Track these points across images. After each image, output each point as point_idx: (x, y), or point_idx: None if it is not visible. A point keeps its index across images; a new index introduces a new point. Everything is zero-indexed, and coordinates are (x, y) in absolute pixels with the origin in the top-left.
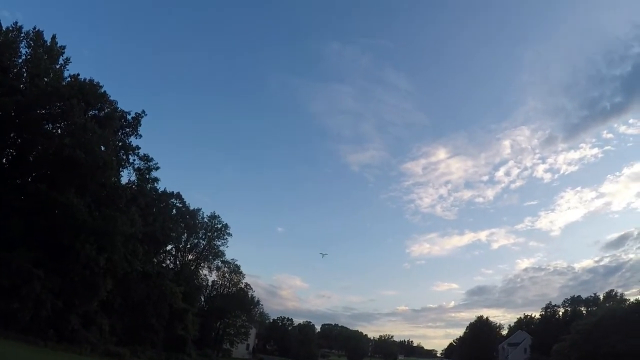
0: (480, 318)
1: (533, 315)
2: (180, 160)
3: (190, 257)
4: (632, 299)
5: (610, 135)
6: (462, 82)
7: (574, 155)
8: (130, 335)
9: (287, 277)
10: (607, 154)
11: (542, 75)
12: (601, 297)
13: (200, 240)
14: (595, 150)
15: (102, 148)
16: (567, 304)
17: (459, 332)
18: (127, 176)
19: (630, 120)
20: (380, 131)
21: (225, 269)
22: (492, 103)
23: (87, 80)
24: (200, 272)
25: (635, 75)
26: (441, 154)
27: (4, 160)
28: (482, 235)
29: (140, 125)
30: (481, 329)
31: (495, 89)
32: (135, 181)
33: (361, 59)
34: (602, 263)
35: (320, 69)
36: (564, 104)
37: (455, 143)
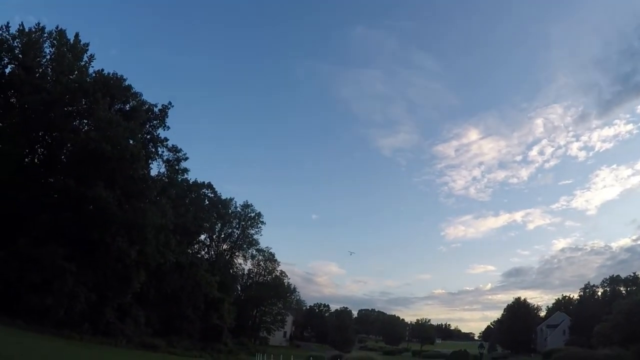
0: (517, 300)
1: (571, 296)
2: (211, 152)
3: (224, 246)
4: None
5: None
6: (491, 60)
7: (608, 132)
8: (165, 326)
9: (323, 263)
10: None
11: (572, 50)
12: None
13: (234, 230)
14: (630, 127)
15: (130, 141)
16: (605, 284)
17: (496, 314)
18: (156, 168)
19: None
20: (410, 114)
21: (260, 257)
22: (522, 81)
23: (111, 75)
24: (235, 261)
25: None
26: (473, 135)
27: (35, 159)
28: (517, 216)
29: (167, 117)
30: (519, 311)
31: (525, 66)
32: (165, 172)
33: (387, 42)
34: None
35: (346, 54)
36: (596, 80)
37: (487, 123)
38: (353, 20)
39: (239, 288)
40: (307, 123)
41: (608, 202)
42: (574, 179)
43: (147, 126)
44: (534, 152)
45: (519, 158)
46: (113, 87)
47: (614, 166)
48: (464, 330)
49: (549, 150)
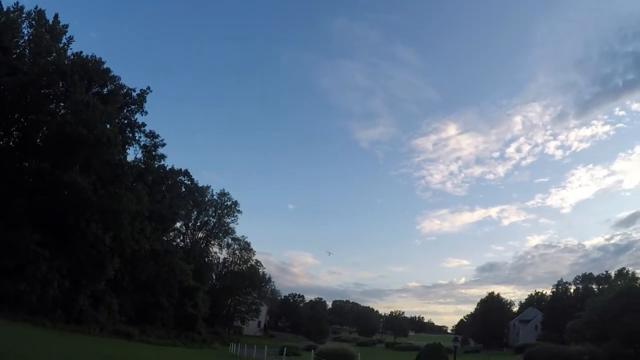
0: (491, 294)
1: (544, 292)
2: (189, 139)
3: (200, 234)
4: None
5: (622, 113)
6: (473, 57)
7: (585, 132)
8: (139, 314)
9: (298, 253)
10: (619, 131)
11: (553, 50)
12: (612, 274)
13: (210, 218)
14: (607, 128)
15: (107, 125)
16: (578, 282)
17: (470, 308)
18: (133, 153)
19: None
20: (390, 107)
21: (236, 246)
22: (503, 78)
23: (89, 57)
24: (211, 249)
25: None
26: (451, 130)
27: (10, 142)
28: (493, 211)
29: (145, 102)
30: (492, 306)
31: (506, 65)
32: (142, 158)
33: (370, 34)
34: (612, 241)
35: (328, 44)
36: (575, 80)
37: (466, 119)
38: (337, 11)
39: (214, 277)
40: (287, 112)
41: (583, 201)
42: (550, 177)
43: (125, 111)
44: (511, 149)
45: (496, 154)
46: (91, 70)
47: (590, 166)
48: (438, 323)
49: (526, 148)
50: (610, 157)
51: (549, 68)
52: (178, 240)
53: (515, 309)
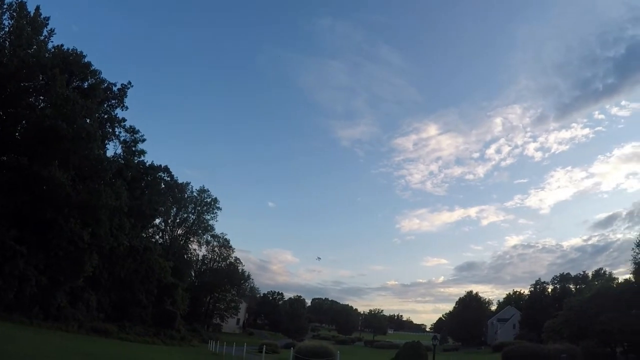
0: (469, 293)
1: (522, 292)
2: (169, 135)
3: (179, 231)
4: (620, 277)
5: (601, 116)
6: (455, 58)
7: (565, 134)
8: (118, 311)
9: (278, 251)
10: (599, 135)
11: (535, 53)
12: (590, 275)
13: (190, 215)
14: (587, 131)
15: (87, 120)
16: (556, 281)
17: (448, 307)
18: (112, 149)
19: (622, 102)
20: (371, 107)
21: (215, 244)
22: (484, 80)
23: (70, 51)
24: (190, 246)
25: (629, 58)
26: (432, 130)
27: None
28: (472, 211)
29: (126, 97)
30: (470, 304)
31: (488, 67)
32: (121, 154)
33: (353, 34)
34: (590, 242)
35: (311, 44)
36: (556, 84)
37: (446, 119)
38: (321, 10)
39: (193, 274)
40: (269, 110)
41: (561, 202)
42: (529, 179)
43: (105, 105)
44: (491, 150)
45: (476, 155)
46: (72, 63)
47: (569, 168)
48: (416, 321)
49: (506, 149)
50: (589, 160)
51: (530, 71)
52: (157, 237)
53: (493, 307)
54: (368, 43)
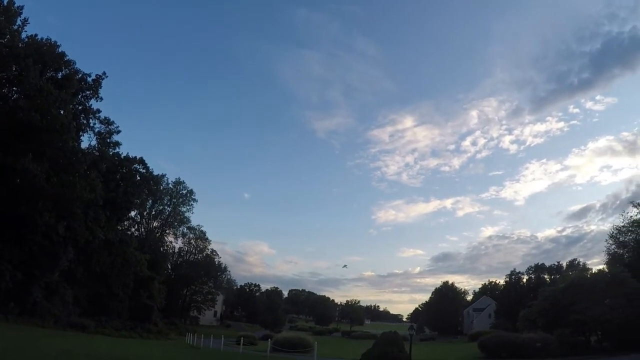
0: (445, 283)
1: (497, 282)
2: (144, 126)
3: (155, 224)
4: (594, 268)
5: (576, 110)
6: (431, 51)
7: (540, 127)
8: (94, 305)
9: (254, 243)
10: (573, 128)
11: (511, 47)
12: (564, 265)
13: (165, 207)
14: (562, 124)
15: (61, 111)
16: (530, 272)
17: (425, 297)
18: (87, 140)
19: (597, 97)
20: (347, 98)
21: (191, 236)
22: (460, 73)
23: (44, 40)
24: (166, 239)
25: (604, 53)
26: (408, 122)
27: None
28: (448, 203)
29: (101, 88)
30: (447, 294)
31: (464, 59)
32: (96, 145)
33: (329, 25)
34: (564, 233)
35: (287, 34)
36: (532, 77)
37: (422, 111)
38: (297, 1)
39: (170, 267)
40: (244, 101)
41: (536, 194)
42: (504, 171)
43: (80, 96)
44: (466, 142)
45: (452, 147)
46: (46, 54)
47: (544, 160)
48: (393, 312)
49: (481, 142)
50: (563, 153)
51: (506, 64)
52: (133, 229)
53: (469, 297)
54: (344, 34)
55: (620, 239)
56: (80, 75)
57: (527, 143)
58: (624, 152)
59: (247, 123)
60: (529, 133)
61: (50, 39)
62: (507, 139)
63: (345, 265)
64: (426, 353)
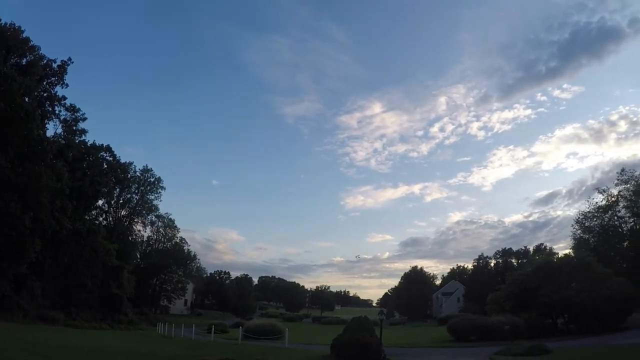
0: (414, 268)
1: (465, 266)
2: (110, 113)
3: (123, 212)
4: (560, 252)
5: (544, 98)
6: (400, 37)
7: (507, 114)
8: (63, 297)
9: (223, 230)
10: (540, 116)
11: (480, 35)
12: (531, 250)
13: (133, 195)
14: (529, 111)
15: (25, 98)
16: (498, 256)
17: (394, 282)
18: (52, 128)
19: (564, 85)
20: (316, 83)
21: (160, 224)
22: (430, 60)
23: (8, 25)
24: (134, 227)
25: (572, 42)
26: (376, 107)
27: None
28: (416, 188)
29: (66, 74)
30: (415, 279)
31: (433, 46)
32: (62, 133)
33: (299, 10)
34: (531, 218)
35: (256, 18)
36: (500, 65)
37: (391, 97)
38: None
39: (139, 256)
40: (211, 86)
41: (503, 180)
42: (472, 157)
43: (45, 83)
44: (435, 129)
45: (420, 133)
46: (10, 39)
47: (511, 147)
48: (363, 297)
49: (449, 128)
50: (530, 140)
51: (475, 52)
52: (100, 218)
53: (438, 282)
54: (313, 18)
55: (586, 224)
56: (45, 61)
57: (495, 130)
58: (590, 139)
59: (215, 108)
60: (497, 120)
61: (14, 24)
62: (475, 125)
63: (357, 256)
64: (397, 337)
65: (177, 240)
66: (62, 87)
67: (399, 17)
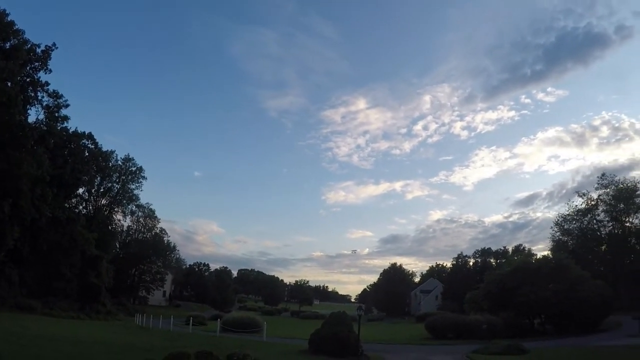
0: (393, 265)
1: (445, 265)
2: (93, 101)
3: (103, 201)
4: (539, 254)
5: (528, 100)
6: (387, 34)
7: (491, 115)
8: (41, 285)
9: (204, 222)
10: (524, 118)
11: (467, 35)
12: (510, 250)
13: (114, 184)
14: (513, 113)
15: (7, 83)
16: (477, 255)
17: (373, 278)
18: (34, 114)
19: (549, 89)
20: (301, 77)
21: (140, 214)
22: (415, 58)
23: None
24: (114, 217)
25: (558, 47)
26: (361, 103)
27: None
28: (397, 185)
29: (50, 59)
30: (394, 276)
31: (420, 45)
32: (44, 120)
33: (286, 4)
34: (511, 219)
35: (242, 11)
36: (486, 66)
37: (376, 94)
38: None
39: (118, 245)
40: (195, 78)
41: (484, 180)
42: (454, 156)
43: (28, 68)
44: (418, 127)
45: (403, 131)
46: None
47: (494, 148)
48: (342, 292)
49: (433, 126)
50: (513, 141)
51: (461, 52)
52: (80, 207)
53: (417, 279)
54: (300, 13)
55: (565, 226)
56: (29, 45)
57: (478, 130)
58: (572, 143)
59: (199, 100)
60: (480, 120)
61: None
62: (459, 125)
63: (354, 250)
64: (375, 333)
65: (157, 231)
66: (46, 73)
67: (386, 14)
